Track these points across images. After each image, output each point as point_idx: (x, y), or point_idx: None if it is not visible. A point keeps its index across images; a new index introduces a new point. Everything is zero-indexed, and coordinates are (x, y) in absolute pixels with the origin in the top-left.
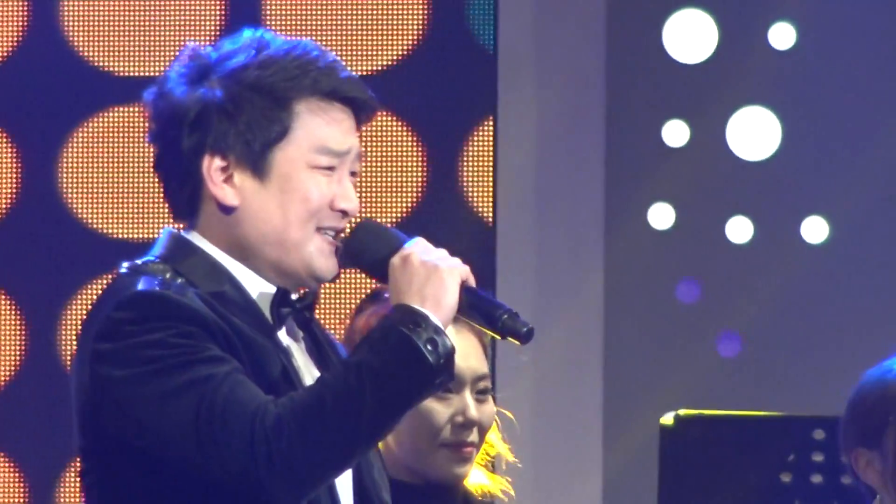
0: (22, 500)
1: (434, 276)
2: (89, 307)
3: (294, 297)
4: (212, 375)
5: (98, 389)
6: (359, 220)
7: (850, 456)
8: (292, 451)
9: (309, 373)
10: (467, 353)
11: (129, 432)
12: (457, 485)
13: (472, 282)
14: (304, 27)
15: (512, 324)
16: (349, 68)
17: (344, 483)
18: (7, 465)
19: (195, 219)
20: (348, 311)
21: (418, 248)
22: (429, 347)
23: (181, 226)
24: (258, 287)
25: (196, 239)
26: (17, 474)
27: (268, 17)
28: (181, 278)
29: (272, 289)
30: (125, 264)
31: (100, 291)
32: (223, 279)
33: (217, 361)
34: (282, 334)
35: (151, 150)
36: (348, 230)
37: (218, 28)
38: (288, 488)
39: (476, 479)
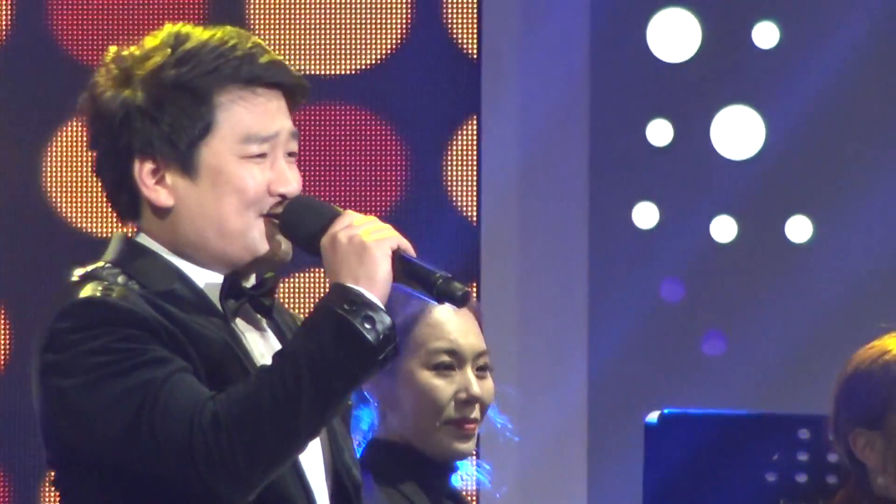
0: (6, 502)
1: (364, 254)
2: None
3: (249, 284)
4: (152, 379)
5: (50, 401)
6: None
7: (848, 437)
8: (231, 449)
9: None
10: (466, 329)
11: (82, 441)
12: (457, 461)
13: (409, 248)
14: (286, 26)
15: (447, 287)
16: (339, 65)
17: (315, 468)
18: None
19: (139, 221)
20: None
21: (344, 226)
22: (367, 326)
23: (132, 228)
24: (208, 280)
25: (144, 240)
26: (1, 475)
27: (251, 16)
28: (132, 281)
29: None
30: (76, 272)
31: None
32: (173, 277)
33: (159, 364)
34: (242, 324)
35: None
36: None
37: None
38: (233, 485)
39: None
